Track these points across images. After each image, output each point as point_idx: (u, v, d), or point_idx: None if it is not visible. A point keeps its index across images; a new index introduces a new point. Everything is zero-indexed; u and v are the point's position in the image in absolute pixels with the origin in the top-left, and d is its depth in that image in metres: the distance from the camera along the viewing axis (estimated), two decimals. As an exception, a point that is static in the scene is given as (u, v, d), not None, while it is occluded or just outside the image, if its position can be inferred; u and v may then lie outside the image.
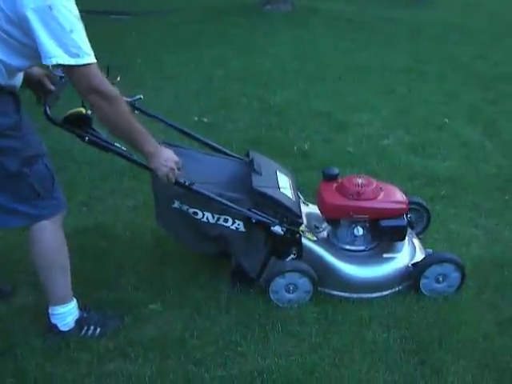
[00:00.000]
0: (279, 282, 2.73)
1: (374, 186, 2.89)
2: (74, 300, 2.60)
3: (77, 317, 2.60)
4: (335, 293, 2.82)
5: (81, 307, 2.63)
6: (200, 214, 2.70)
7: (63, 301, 2.56)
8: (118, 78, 2.75)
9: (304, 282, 2.75)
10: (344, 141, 4.73)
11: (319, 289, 2.80)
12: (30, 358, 2.43)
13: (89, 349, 2.49)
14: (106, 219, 3.51)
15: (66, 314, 2.56)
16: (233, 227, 2.73)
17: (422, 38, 8.74)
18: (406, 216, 2.92)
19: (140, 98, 2.83)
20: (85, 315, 2.63)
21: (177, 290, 2.86)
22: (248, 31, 8.83)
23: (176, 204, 2.70)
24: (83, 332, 2.58)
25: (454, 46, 8.12)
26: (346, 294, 2.81)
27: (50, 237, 2.45)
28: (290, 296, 2.77)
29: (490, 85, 6.34)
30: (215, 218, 2.71)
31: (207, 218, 2.71)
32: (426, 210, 3.26)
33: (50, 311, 2.56)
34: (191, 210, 2.70)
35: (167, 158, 2.46)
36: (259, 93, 5.89)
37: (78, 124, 2.48)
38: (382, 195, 2.89)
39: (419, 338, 2.57)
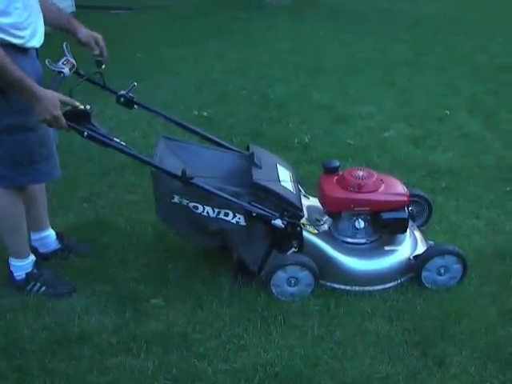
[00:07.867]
0: (280, 276, 2.73)
1: (375, 178, 2.89)
2: (30, 258, 2.81)
3: (28, 271, 2.78)
4: (337, 286, 2.82)
5: (36, 265, 2.82)
6: (200, 209, 2.70)
7: (17, 255, 2.78)
8: (103, 66, 2.74)
9: (305, 275, 2.74)
10: (345, 133, 4.72)
11: (321, 282, 2.79)
12: (33, 354, 2.43)
13: (91, 344, 2.49)
14: (106, 214, 3.50)
15: (19, 268, 2.79)
16: (233, 221, 2.72)
17: (422, 29, 8.70)
18: (408, 208, 2.91)
19: (134, 85, 2.81)
20: (35, 271, 2.80)
21: (178, 285, 2.86)
22: (247, 24, 8.80)
23: (176, 199, 2.69)
24: (29, 287, 2.78)
25: (453, 38, 8.08)
26: (348, 287, 2.80)
27: (4, 203, 2.64)
28: (292, 289, 2.76)
29: (489, 76, 6.32)
30: (215, 212, 2.70)
31: (207, 213, 2.70)
32: (428, 202, 3.26)
33: (9, 260, 2.80)
34: (191, 205, 2.69)
35: (49, 104, 2.32)
36: (259, 86, 5.87)
37: (76, 119, 2.47)
38: (382, 187, 2.88)
39: (422, 329, 2.57)
